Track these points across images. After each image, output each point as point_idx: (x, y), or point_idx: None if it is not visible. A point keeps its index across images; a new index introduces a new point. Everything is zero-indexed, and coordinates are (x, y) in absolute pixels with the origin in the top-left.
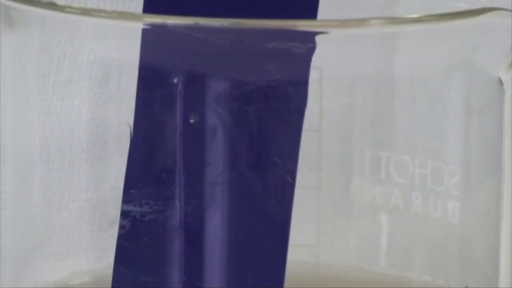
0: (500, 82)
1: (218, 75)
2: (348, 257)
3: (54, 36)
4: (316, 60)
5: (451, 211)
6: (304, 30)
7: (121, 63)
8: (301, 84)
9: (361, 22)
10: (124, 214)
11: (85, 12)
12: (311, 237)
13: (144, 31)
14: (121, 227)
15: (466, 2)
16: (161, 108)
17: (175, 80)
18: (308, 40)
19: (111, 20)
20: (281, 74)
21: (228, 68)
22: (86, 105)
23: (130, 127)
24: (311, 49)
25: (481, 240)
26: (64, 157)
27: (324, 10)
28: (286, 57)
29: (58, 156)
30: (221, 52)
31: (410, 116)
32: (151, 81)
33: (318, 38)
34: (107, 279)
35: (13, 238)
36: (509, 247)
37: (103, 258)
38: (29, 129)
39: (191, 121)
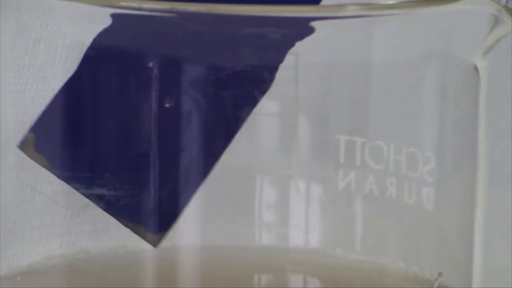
0: (476, 69)
1: (194, 60)
2: (322, 243)
3: (30, 20)
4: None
5: (426, 198)
6: (279, 16)
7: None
8: (275, 69)
9: (338, 8)
10: (98, 198)
11: None
12: (285, 222)
13: (120, 15)
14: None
15: None
16: (136, 92)
17: (151, 65)
18: (285, 26)
19: (86, 4)
20: (257, 59)
21: (204, 53)
22: None
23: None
24: (288, 35)
25: (455, 226)
26: None
27: None
28: (262, 42)
29: None
30: (197, 37)
31: (386, 103)
32: (126, 65)
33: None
34: (80, 263)
35: None
36: (483, 234)
37: (76, 242)
38: (4, 112)
39: (167, 105)
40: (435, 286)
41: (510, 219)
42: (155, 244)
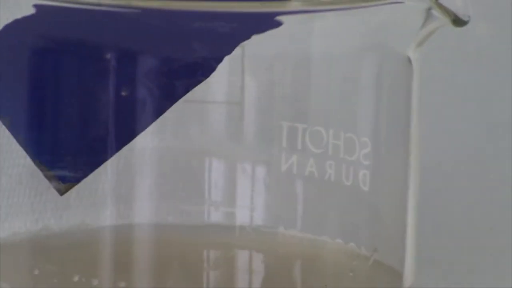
0: (409, 61)
1: (148, 52)
2: (266, 221)
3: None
4: None
5: (362, 180)
6: (225, 11)
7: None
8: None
9: (280, 4)
10: (59, 179)
11: None
12: (232, 202)
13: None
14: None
15: None
16: (95, 81)
17: (108, 56)
18: (232, 20)
19: None
20: (207, 52)
21: (157, 45)
22: None
23: None
24: (236, 29)
25: (389, 206)
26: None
27: None
28: (211, 36)
29: None
30: (151, 30)
31: (325, 92)
32: (85, 56)
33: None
34: (43, 240)
35: None
36: (415, 213)
37: (40, 220)
38: None
39: (123, 94)
40: (370, 261)
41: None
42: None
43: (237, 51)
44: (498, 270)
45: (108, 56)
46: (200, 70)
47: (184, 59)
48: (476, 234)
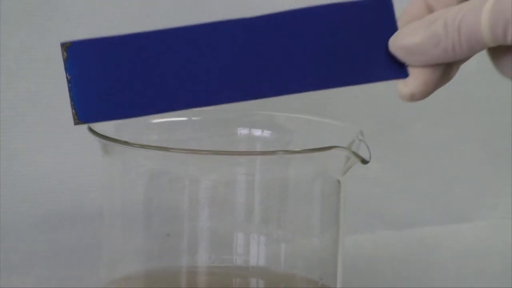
0: (339, 182)
1: None
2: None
3: (126, 157)
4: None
5: (315, 242)
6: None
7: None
8: None
9: (266, 152)
10: None
11: (141, 146)
12: None
13: None
14: None
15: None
16: None
17: None
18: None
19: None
20: None
21: None
22: None
23: None
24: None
25: (329, 256)
26: None
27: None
28: None
29: None
30: None
31: (294, 200)
32: None
33: None
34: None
35: None
36: (342, 262)
37: None
38: None
39: None
40: (319, 284)
41: (510, 220)
42: None
43: (248, 179)
44: None
45: None
46: None
47: None
48: None
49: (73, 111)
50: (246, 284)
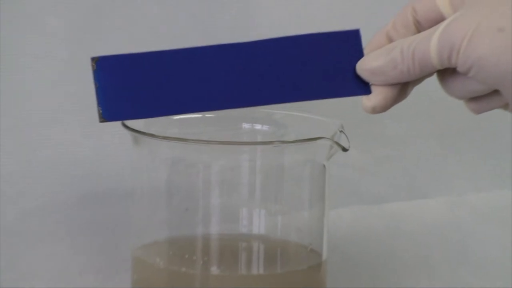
0: (324, 166)
1: None
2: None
3: (152, 147)
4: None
5: (304, 215)
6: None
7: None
8: None
9: (265, 142)
10: None
11: (164, 138)
12: None
13: None
14: None
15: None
16: None
17: None
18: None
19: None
20: None
21: None
22: None
23: None
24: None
25: (317, 226)
26: None
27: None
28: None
29: None
30: None
31: (289, 181)
32: None
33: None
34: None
35: None
36: (327, 229)
37: None
38: None
39: None
40: (308, 248)
41: (463, 197)
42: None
43: (251, 163)
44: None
45: None
46: None
47: None
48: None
49: (99, 111)
50: (249, 248)
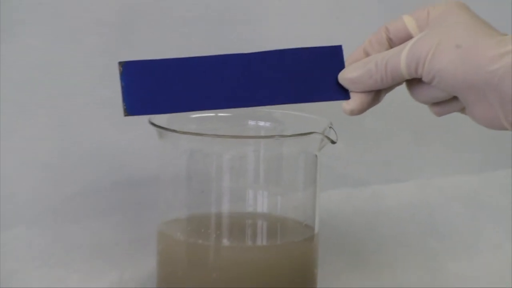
0: (316, 156)
1: None
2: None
3: (174, 140)
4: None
5: (298, 196)
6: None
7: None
8: None
9: (267, 136)
10: None
11: (184, 132)
12: None
13: None
14: None
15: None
16: None
17: None
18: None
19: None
20: None
21: None
22: None
23: None
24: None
25: (310, 205)
26: None
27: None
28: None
29: None
30: None
31: (286, 169)
32: None
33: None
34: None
35: None
36: (318, 207)
37: None
38: None
39: None
40: (303, 224)
41: (432, 180)
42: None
43: (250, 153)
44: None
45: None
46: None
47: None
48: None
49: (124, 107)
50: (254, 224)
